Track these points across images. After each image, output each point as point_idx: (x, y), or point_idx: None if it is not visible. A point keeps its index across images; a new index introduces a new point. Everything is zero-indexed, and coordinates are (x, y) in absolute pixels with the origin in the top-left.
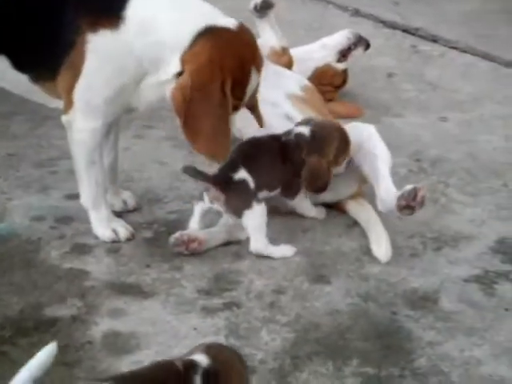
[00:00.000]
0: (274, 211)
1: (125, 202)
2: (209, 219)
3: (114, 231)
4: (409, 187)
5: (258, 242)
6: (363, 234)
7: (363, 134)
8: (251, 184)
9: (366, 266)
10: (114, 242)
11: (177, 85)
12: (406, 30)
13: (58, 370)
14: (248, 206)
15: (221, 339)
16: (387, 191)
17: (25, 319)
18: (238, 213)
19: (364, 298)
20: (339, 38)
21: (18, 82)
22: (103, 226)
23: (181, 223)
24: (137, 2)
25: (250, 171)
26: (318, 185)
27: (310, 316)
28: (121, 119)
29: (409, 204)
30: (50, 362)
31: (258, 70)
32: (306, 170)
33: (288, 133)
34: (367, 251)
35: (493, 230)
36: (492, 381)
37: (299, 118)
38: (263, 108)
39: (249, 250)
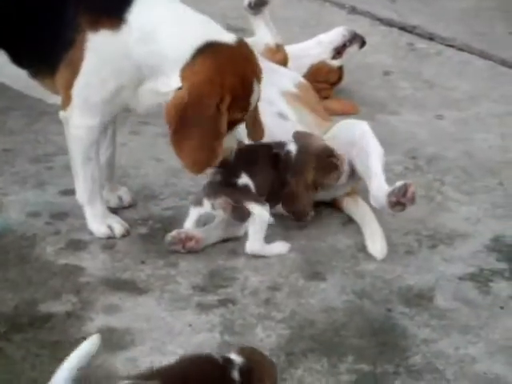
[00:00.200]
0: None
1: (120, 198)
2: (205, 216)
3: (110, 227)
4: (399, 184)
5: (256, 244)
6: (358, 231)
7: (356, 131)
8: (253, 189)
9: (362, 263)
10: (109, 238)
11: (173, 99)
12: (402, 28)
13: (53, 365)
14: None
15: (216, 336)
16: (379, 188)
17: (19, 315)
18: (243, 218)
19: (359, 295)
20: (334, 35)
21: (17, 77)
22: (98, 222)
23: (176, 220)
24: (140, 8)
25: (250, 176)
26: (295, 210)
27: (305, 313)
28: (117, 116)
29: (399, 200)
30: (93, 352)
31: (259, 82)
32: (285, 192)
33: (281, 146)
34: (362, 248)
35: (488, 228)
36: (487, 378)
37: (293, 115)
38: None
39: (244, 246)
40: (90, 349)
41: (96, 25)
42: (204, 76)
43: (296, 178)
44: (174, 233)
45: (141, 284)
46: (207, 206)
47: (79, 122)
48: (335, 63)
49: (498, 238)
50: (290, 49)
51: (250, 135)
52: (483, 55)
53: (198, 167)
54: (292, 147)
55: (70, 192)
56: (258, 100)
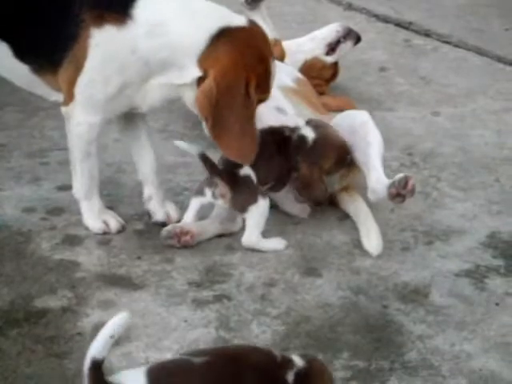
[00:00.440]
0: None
1: (168, 215)
2: (200, 212)
3: (105, 223)
4: (399, 176)
5: (252, 236)
6: (354, 228)
7: (357, 120)
8: (254, 179)
9: (358, 259)
10: (104, 233)
11: (202, 90)
12: (398, 24)
13: (48, 361)
14: (253, 201)
15: (211, 331)
16: (378, 180)
17: (15, 310)
18: (243, 209)
19: (355, 291)
20: (328, 31)
21: (19, 73)
22: (94, 218)
23: None
24: (146, 1)
25: (252, 166)
26: (313, 197)
27: (301, 309)
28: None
29: (399, 192)
30: (124, 326)
31: (274, 61)
32: (297, 177)
33: (293, 129)
34: (358, 244)
35: (484, 224)
36: (482, 375)
37: (291, 109)
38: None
39: (240, 243)
40: (124, 320)
41: (100, 21)
42: (227, 61)
43: (310, 164)
44: (169, 227)
45: (136, 279)
46: (208, 195)
47: (81, 118)
48: (329, 59)
49: (494, 234)
50: (286, 44)
51: None
52: (479, 52)
53: (245, 156)
54: (308, 132)
55: (66, 187)
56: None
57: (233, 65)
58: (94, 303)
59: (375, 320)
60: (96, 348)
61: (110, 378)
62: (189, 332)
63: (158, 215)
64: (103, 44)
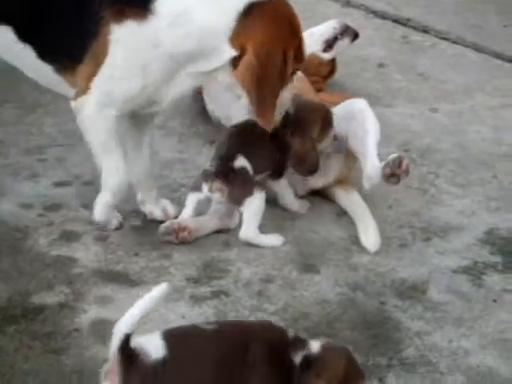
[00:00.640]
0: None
1: (164, 211)
2: (198, 207)
3: (107, 218)
4: (393, 156)
5: (249, 230)
6: (352, 224)
7: (356, 108)
8: (250, 171)
9: (355, 255)
10: (100, 229)
11: (243, 65)
12: (396, 21)
13: (46, 357)
14: (249, 194)
15: None
16: (373, 166)
17: (12, 306)
18: (239, 202)
19: (353, 287)
20: (325, 28)
21: (43, 73)
22: (102, 211)
23: None
24: None
25: (247, 157)
26: (307, 168)
27: (299, 305)
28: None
29: (394, 172)
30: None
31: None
32: (292, 154)
33: None
34: (356, 241)
35: (482, 221)
36: (479, 371)
37: None
38: None
39: (238, 239)
40: (161, 293)
41: (120, 17)
42: (264, 35)
43: (300, 137)
44: (167, 223)
45: (134, 276)
46: (205, 189)
47: (93, 110)
48: (326, 56)
49: (492, 230)
50: None
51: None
52: (477, 48)
53: (271, 120)
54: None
55: (63, 184)
56: None
57: (269, 38)
58: (92, 299)
59: (373, 316)
60: (126, 324)
61: (133, 345)
62: None
63: (156, 214)
64: (124, 40)
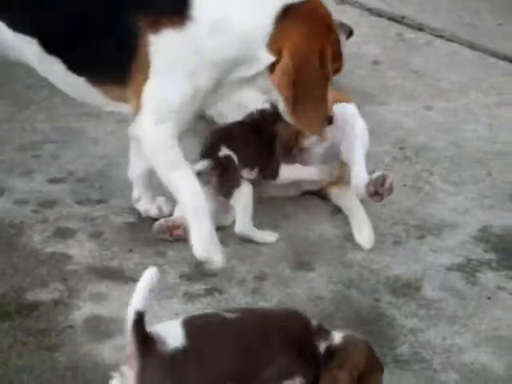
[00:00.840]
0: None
1: (160, 208)
2: None
3: (209, 253)
4: (377, 174)
5: (244, 223)
6: (346, 221)
7: (348, 112)
8: (235, 161)
9: (349, 252)
10: (203, 263)
11: (279, 70)
12: (391, 18)
13: (40, 353)
14: (237, 184)
15: None
16: (359, 177)
17: (7, 303)
18: (227, 193)
19: (347, 284)
20: None
21: (73, 84)
22: (204, 243)
23: None
24: (202, 1)
25: (230, 148)
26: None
27: (293, 302)
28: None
29: (377, 191)
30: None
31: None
32: (278, 140)
33: (251, 114)
34: (350, 238)
35: (476, 218)
36: (473, 368)
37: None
38: (248, 95)
39: (232, 236)
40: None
41: (157, 27)
42: (299, 37)
43: (284, 123)
44: (161, 221)
45: (128, 272)
46: None
47: (152, 128)
48: None
49: (486, 228)
50: None
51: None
52: (472, 46)
53: (318, 128)
54: (265, 106)
55: (58, 180)
56: None
57: (305, 39)
58: (86, 296)
59: (367, 313)
60: (137, 301)
61: (150, 330)
62: None
63: (151, 212)
64: (164, 49)
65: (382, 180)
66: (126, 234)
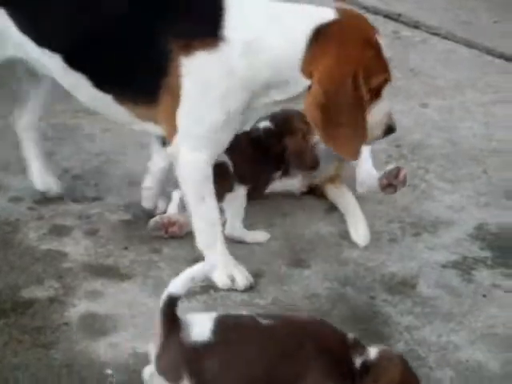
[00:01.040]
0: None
1: (156, 205)
2: (182, 204)
3: (231, 278)
4: (391, 167)
5: (234, 227)
6: (342, 219)
7: None
8: (231, 167)
9: (345, 250)
10: (229, 289)
11: (309, 98)
12: (387, 16)
13: (35, 351)
14: (230, 188)
15: None
16: (368, 172)
17: (2, 300)
18: (220, 196)
19: (342, 282)
20: None
21: (99, 101)
22: (219, 271)
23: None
24: (235, 20)
25: (229, 157)
26: (308, 164)
27: (288, 300)
28: None
29: (391, 183)
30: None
31: (379, 35)
32: (289, 154)
33: (256, 129)
34: (346, 236)
35: (472, 216)
36: (468, 366)
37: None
38: None
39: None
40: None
41: (189, 49)
42: (329, 60)
43: (292, 136)
44: (156, 218)
45: (124, 270)
46: None
47: (188, 156)
48: None
49: (482, 226)
50: None
51: None
52: (468, 44)
53: (353, 151)
54: (265, 123)
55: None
56: None
57: (335, 62)
58: (81, 293)
59: (362, 311)
60: (175, 285)
61: (182, 317)
62: None
63: (147, 204)
64: (196, 72)
65: (395, 172)
66: (122, 231)
